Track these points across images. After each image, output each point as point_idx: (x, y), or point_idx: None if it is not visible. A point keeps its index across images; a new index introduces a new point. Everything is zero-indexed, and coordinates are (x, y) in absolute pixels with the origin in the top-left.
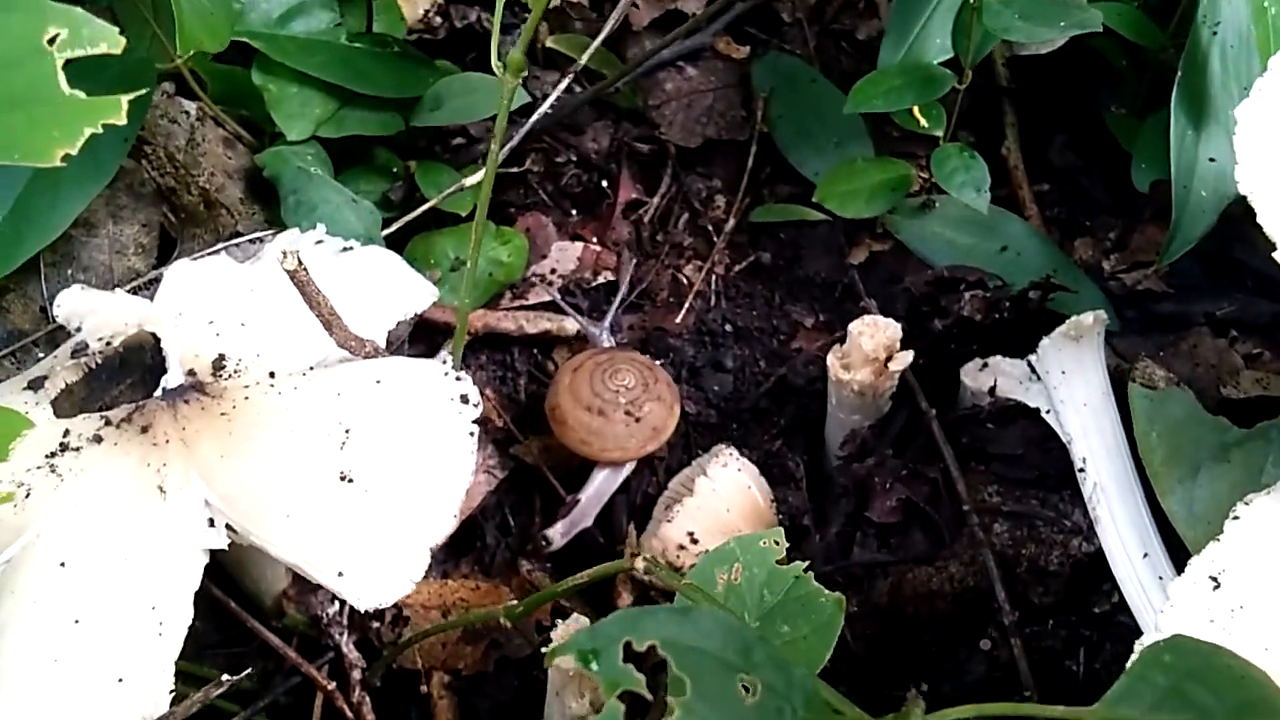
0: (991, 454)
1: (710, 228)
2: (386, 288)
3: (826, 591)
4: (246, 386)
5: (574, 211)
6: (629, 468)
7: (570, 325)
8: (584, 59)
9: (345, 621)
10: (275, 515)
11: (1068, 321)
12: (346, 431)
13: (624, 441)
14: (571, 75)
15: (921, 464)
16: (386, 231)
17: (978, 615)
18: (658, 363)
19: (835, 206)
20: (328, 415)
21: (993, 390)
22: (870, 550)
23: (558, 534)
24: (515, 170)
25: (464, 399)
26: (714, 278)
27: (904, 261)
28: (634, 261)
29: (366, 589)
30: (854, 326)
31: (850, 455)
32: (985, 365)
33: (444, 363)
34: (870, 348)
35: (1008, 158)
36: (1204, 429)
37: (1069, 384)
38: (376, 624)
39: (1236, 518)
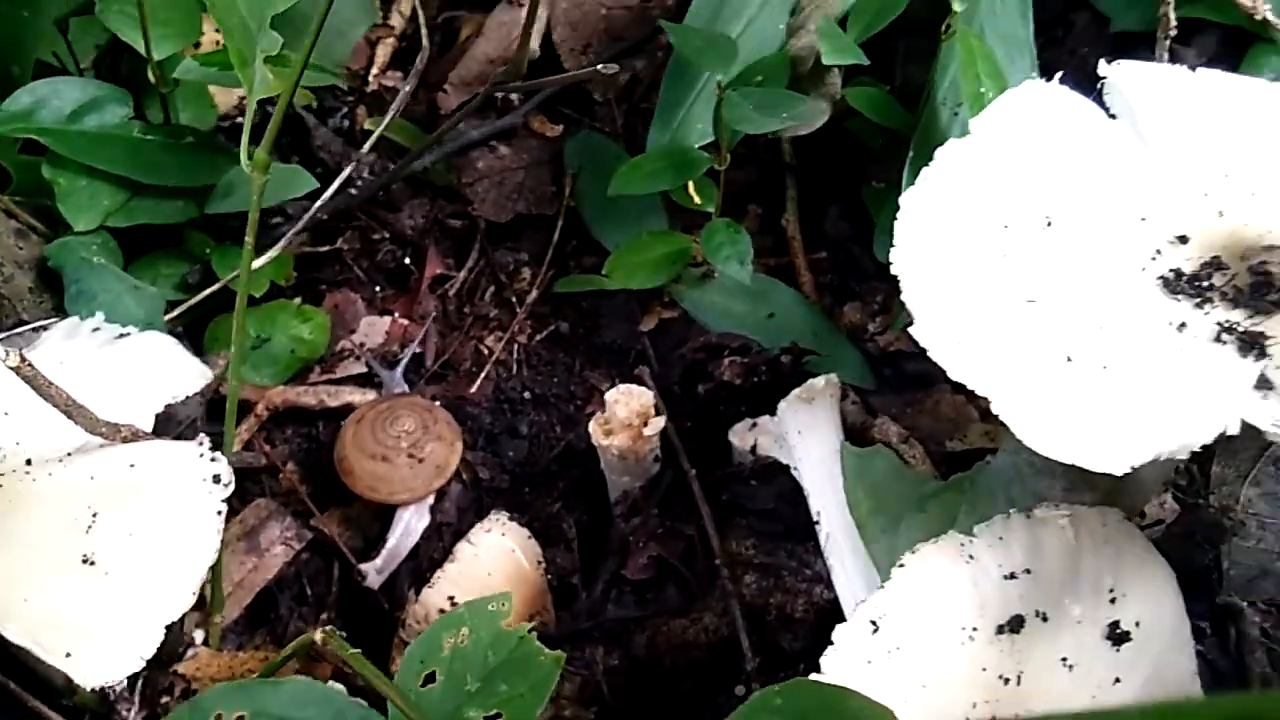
0: (748, 509)
1: (514, 299)
2: (154, 371)
3: (546, 651)
4: (2, 474)
5: (386, 287)
6: (430, 499)
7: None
8: (376, 133)
9: (134, 698)
10: (15, 599)
11: (803, 385)
12: (94, 515)
13: (410, 483)
14: (373, 155)
15: (680, 521)
16: (176, 313)
17: (732, 663)
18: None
19: (622, 278)
20: (78, 500)
21: (754, 449)
22: (626, 606)
23: (373, 570)
24: (327, 249)
25: (216, 479)
26: (516, 346)
27: (688, 328)
28: (438, 333)
29: (93, 668)
30: (610, 395)
31: (621, 514)
32: (754, 425)
33: (199, 444)
34: (625, 415)
35: (787, 228)
36: (905, 483)
37: (804, 443)
38: (166, 698)
39: (902, 565)
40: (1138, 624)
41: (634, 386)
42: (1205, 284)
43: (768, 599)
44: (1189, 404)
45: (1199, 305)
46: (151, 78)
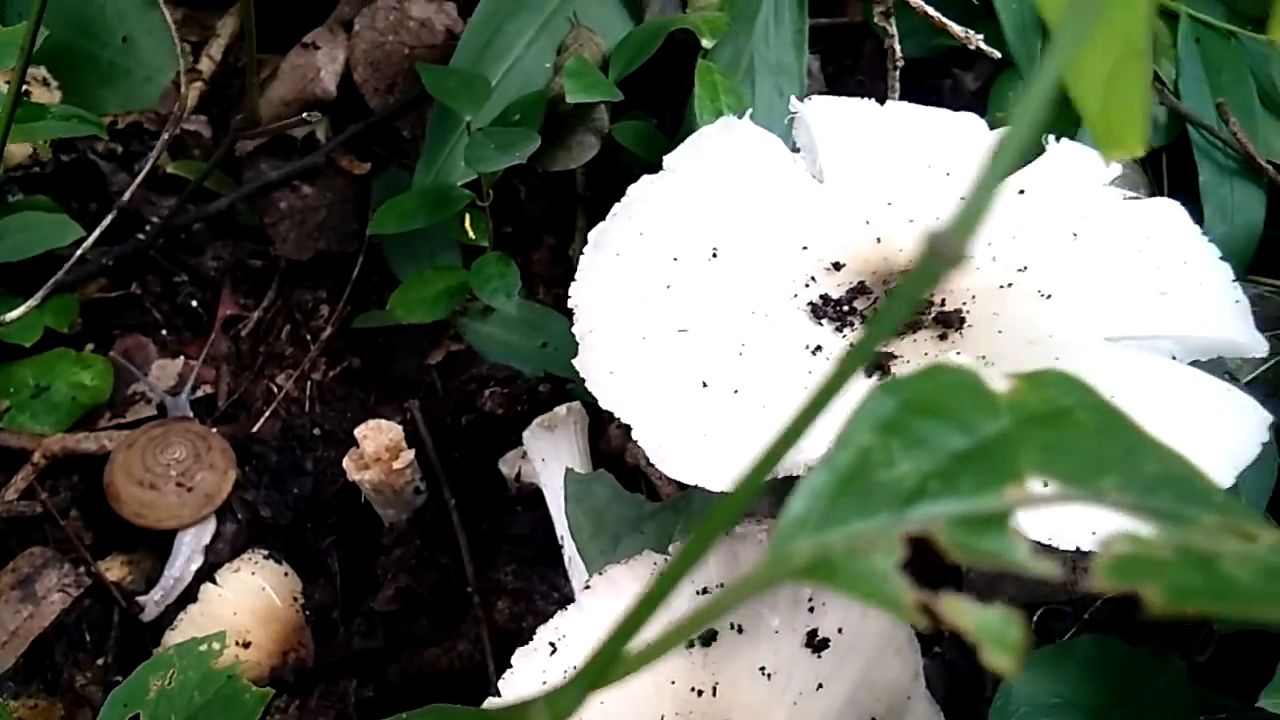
0: (509, 536)
1: (309, 336)
2: None
3: (253, 689)
4: None
5: (185, 330)
6: (212, 525)
7: None
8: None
9: None
10: None
11: (548, 413)
12: None
13: (177, 511)
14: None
15: (439, 551)
16: None
17: (484, 689)
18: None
19: (404, 314)
20: None
21: (519, 477)
22: (375, 638)
23: (151, 602)
24: (122, 294)
25: None
26: (309, 384)
27: (473, 360)
28: (230, 373)
29: None
30: (359, 431)
31: (386, 547)
32: (524, 454)
33: None
34: (374, 449)
35: (574, 259)
36: (623, 506)
37: (548, 469)
38: None
39: (588, 587)
40: (840, 630)
41: (382, 421)
42: (846, 308)
43: (520, 623)
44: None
45: (839, 329)
46: None
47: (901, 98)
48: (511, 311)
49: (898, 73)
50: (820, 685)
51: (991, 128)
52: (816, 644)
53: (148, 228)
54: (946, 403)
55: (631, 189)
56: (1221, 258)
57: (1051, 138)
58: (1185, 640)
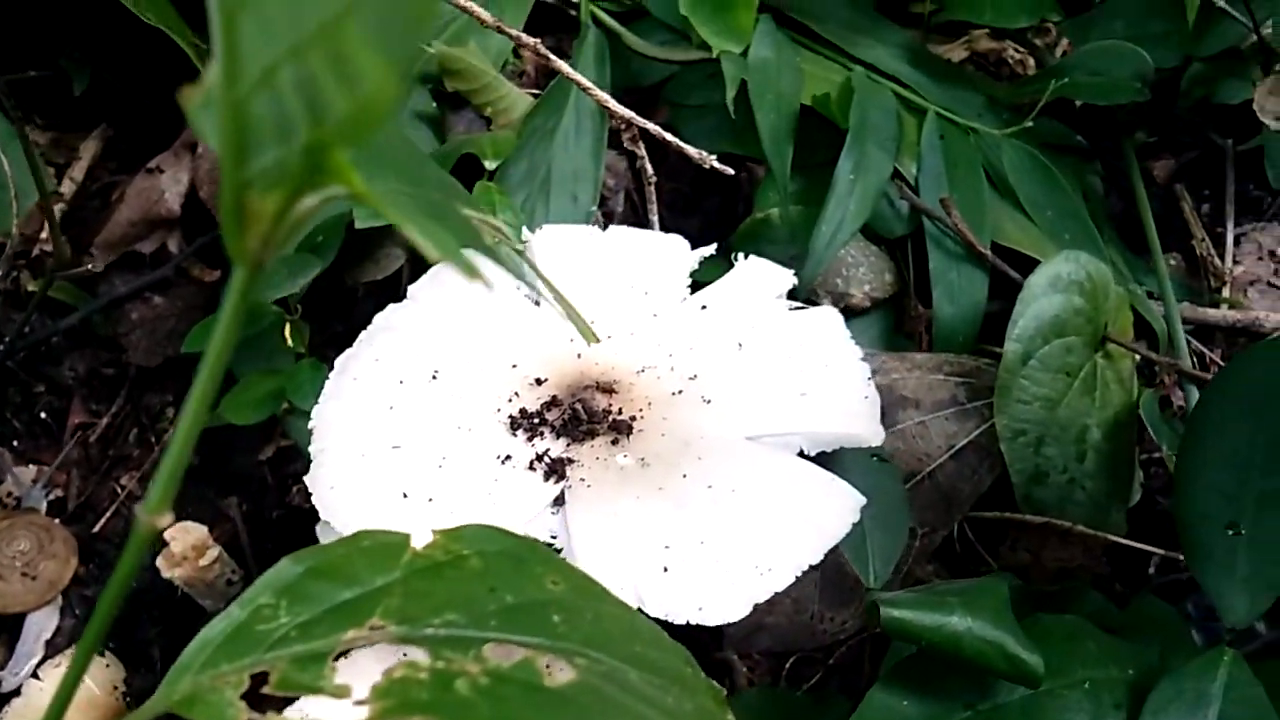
0: None
1: (153, 439)
2: None
3: None
4: None
5: (42, 437)
6: (58, 608)
7: None
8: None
9: None
10: None
11: None
12: None
13: (23, 598)
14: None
15: None
16: None
17: None
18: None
19: (231, 415)
20: None
21: None
22: None
23: (9, 675)
24: None
25: None
26: (150, 483)
27: (298, 454)
28: (80, 476)
29: None
30: (168, 533)
31: None
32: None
33: None
34: (180, 550)
35: None
36: None
37: None
38: None
39: None
40: None
41: (189, 523)
42: (538, 419)
43: None
44: (491, 523)
45: (530, 439)
46: None
47: (703, 193)
48: None
49: (652, 189)
50: None
51: (751, 227)
52: None
53: (6, 340)
54: (351, 564)
55: (377, 317)
56: (862, 358)
57: (742, 255)
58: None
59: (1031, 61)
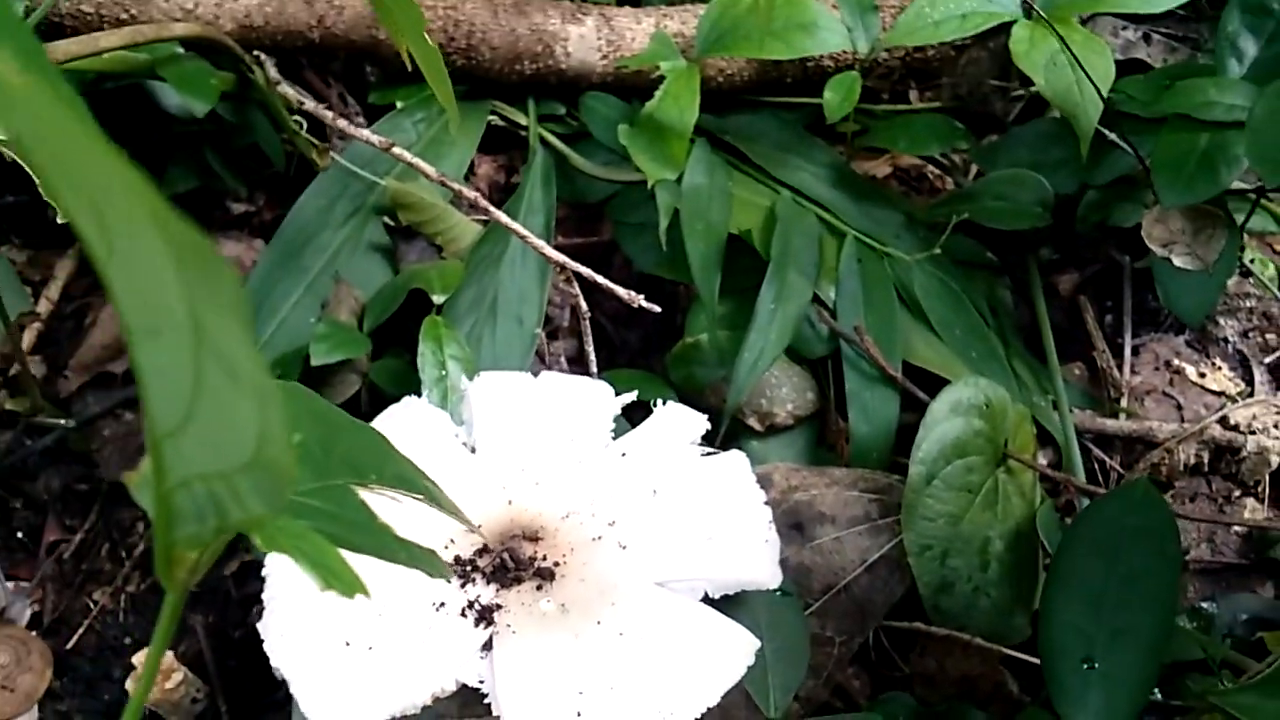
0: None
1: (124, 553)
2: None
3: None
4: None
5: (18, 552)
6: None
7: None
8: None
9: None
10: None
11: None
12: None
13: (1, 710)
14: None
15: None
16: None
17: None
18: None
19: None
20: None
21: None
22: None
23: None
24: None
25: None
26: (123, 596)
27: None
28: (55, 591)
29: None
30: (135, 659)
31: None
32: None
33: None
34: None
35: None
36: None
37: None
38: None
39: None
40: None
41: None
42: (470, 566)
43: None
44: (424, 669)
45: (463, 585)
46: None
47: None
48: None
49: (587, 323)
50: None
51: (683, 351)
52: None
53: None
54: None
55: None
56: (766, 502)
57: (659, 400)
58: None
59: (949, 179)
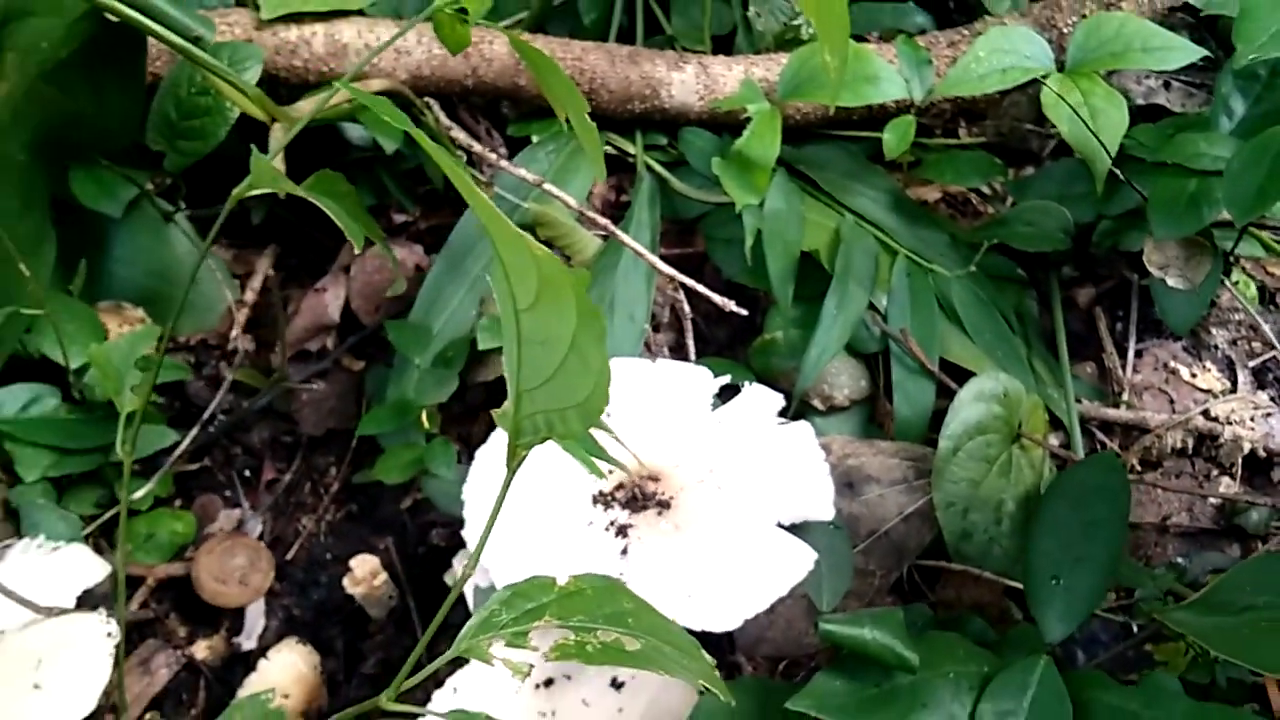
0: (449, 623)
1: (323, 490)
2: (74, 570)
3: None
4: None
5: (241, 488)
6: (263, 609)
7: None
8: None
9: None
10: None
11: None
12: (39, 660)
13: (240, 598)
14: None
15: (402, 634)
16: (93, 526)
17: None
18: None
19: (383, 475)
20: (30, 651)
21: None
22: (365, 691)
23: (245, 639)
24: (199, 467)
25: (109, 634)
26: (323, 524)
27: (431, 506)
28: (272, 518)
29: None
30: (352, 561)
31: (372, 633)
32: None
33: (100, 613)
34: (360, 574)
35: None
36: None
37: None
38: None
39: None
40: (633, 676)
41: (366, 555)
42: (611, 498)
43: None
44: (578, 566)
45: (606, 509)
46: (71, 380)
47: (724, 312)
48: (451, 476)
49: (689, 321)
50: (621, 709)
51: (762, 345)
52: (616, 685)
53: (220, 418)
54: (531, 591)
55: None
56: (825, 459)
57: (745, 382)
58: None
59: (990, 205)
